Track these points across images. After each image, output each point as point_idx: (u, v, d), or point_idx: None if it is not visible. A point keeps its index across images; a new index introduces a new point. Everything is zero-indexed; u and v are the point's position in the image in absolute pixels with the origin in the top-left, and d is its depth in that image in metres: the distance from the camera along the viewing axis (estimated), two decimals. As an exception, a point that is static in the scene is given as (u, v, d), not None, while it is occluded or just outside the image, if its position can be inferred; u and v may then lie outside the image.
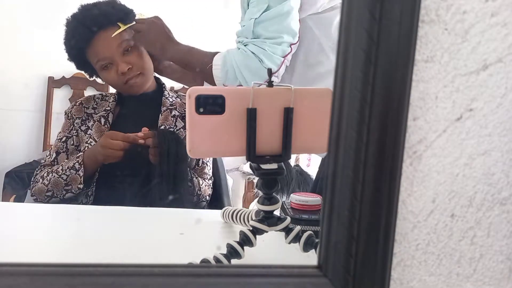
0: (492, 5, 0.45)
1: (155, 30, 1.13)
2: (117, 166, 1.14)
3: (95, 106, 1.23)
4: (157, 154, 1.10)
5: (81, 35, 1.15)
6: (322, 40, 1.07)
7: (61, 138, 1.22)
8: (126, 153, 1.10)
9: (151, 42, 1.14)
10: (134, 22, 1.17)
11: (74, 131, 1.21)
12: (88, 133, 1.19)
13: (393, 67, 0.43)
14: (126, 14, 1.16)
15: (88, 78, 1.29)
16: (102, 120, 1.19)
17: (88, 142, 1.17)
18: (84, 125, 1.20)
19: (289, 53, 1.03)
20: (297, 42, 1.03)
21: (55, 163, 1.19)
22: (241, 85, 1.01)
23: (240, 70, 1.01)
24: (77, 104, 1.24)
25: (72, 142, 1.20)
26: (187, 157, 1.15)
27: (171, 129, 1.19)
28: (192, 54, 1.10)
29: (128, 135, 1.10)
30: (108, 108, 1.21)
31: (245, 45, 1.02)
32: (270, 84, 0.56)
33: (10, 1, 2.02)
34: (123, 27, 1.14)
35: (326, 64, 1.07)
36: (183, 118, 1.21)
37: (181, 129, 1.19)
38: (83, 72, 1.26)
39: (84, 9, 1.16)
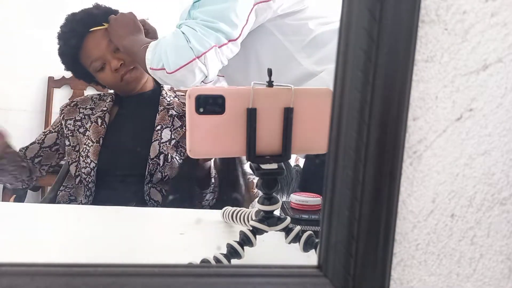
0: (492, 5, 0.45)
1: (121, 21, 1.13)
2: (117, 165, 1.14)
3: (93, 106, 1.23)
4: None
5: (72, 42, 1.16)
6: (288, 45, 1.05)
7: (45, 131, 1.23)
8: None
9: (114, 33, 1.13)
10: None
11: (69, 132, 1.20)
12: (86, 134, 1.19)
13: (393, 67, 0.43)
14: (111, 14, 1.17)
15: (88, 84, 1.30)
16: (99, 121, 1.19)
17: (86, 143, 1.17)
18: (82, 127, 1.20)
19: (224, 45, 0.97)
20: (237, 38, 0.99)
21: (24, 149, 1.21)
22: (164, 69, 0.97)
23: (166, 49, 0.97)
24: (72, 105, 1.24)
25: (69, 143, 1.20)
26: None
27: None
28: (138, 43, 1.07)
29: None
30: (105, 109, 1.21)
31: (179, 27, 0.99)
32: (270, 84, 0.56)
33: (10, 1, 2.02)
34: (106, 26, 1.16)
35: (296, 70, 1.04)
36: (180, 117, 1.21)
37: (178, 128, 1.19)
38: (82, 80, 1.26)
39: (70, 17, 1.18)
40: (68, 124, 1.21)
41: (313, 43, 1.05)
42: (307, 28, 1.05)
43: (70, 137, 1.20)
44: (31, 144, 1.22)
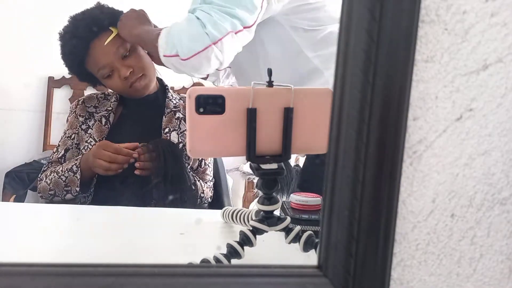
0: (492, 5, 0.45)
1: (131, 14, 1.11)
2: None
3: (97, 105, 1.23)
4: (145, 168, 1.08)
5: (77, 48, 1.13)
6: (298, 40, 1.03)
7: (70, 136, 1.21)
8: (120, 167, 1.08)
9: (124, 26, 1.10)
10: None
11: (76, 130, 1.21)
12: (88, 132, 1.18)
13: (393, 67, 0.43)
14: (117, 17, 1.14)
15: (93, 87, 1.28)
16: (103, 120, 1.19)
17: (88, 141, 1.17)
18: (84, 124, 1.20)
19: (239, 32, 0.93)
20: (251, 25, 0.94)
21: (63, 160, 1.19)
22: (178, 55, 0.92)
23: (180, 35, 0.92)
24: (80, 103, 1.24)
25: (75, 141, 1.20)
26: (184, 165, 1.14)
27: (165, 139, 1.17)
28: (150, 31, 1.04)
29: (121, 148, 1.07)
30: (110, 108, 1.21)
31: (193, 12, 0.94)
32: (270, 84, 0.56)
33: (10, 1, 2.02)
34: (115, 32, 1.13)
35: (304, 65, 1.03)
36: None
37: (185, 132, 1.19)
38: (87, 82, 1.24)
39: (74, 20, 1.15)
40: (80, 121, 1.21)
41: (324, 40, 1.03)
42: (320, 26, 1.03)
43: (75, 134, 1.20)
44: (65, 151, 1.20)
